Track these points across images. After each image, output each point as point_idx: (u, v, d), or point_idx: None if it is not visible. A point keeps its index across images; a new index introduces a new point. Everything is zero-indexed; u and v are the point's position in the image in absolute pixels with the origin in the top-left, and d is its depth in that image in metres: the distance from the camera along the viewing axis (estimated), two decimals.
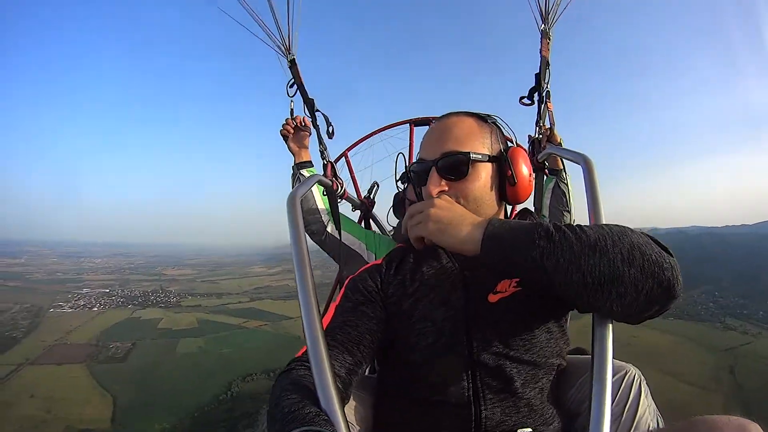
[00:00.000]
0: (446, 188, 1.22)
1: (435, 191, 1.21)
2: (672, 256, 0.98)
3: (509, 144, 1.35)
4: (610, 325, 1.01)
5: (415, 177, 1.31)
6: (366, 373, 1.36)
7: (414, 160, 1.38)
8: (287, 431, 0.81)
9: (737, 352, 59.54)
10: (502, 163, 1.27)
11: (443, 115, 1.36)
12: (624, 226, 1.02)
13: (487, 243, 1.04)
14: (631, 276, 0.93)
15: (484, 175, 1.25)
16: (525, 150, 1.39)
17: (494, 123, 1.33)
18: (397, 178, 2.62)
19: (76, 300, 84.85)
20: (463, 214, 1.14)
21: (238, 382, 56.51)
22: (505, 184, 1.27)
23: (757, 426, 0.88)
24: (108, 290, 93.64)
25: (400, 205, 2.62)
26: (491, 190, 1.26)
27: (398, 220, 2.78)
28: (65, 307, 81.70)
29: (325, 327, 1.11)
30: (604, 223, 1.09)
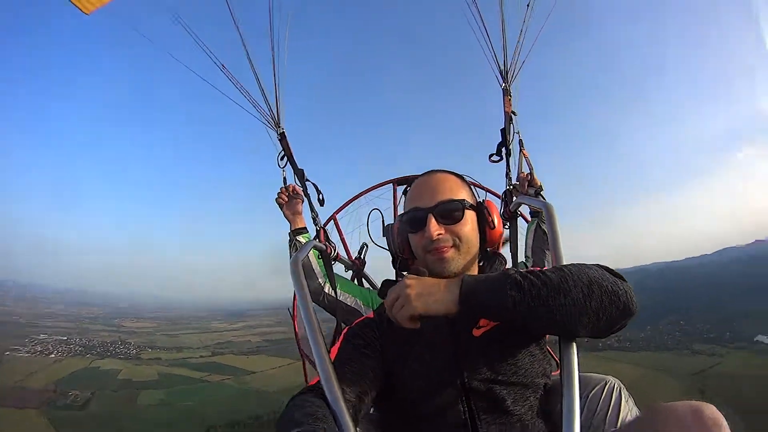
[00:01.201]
0: (443, 231, 1.42)
1: (435, 233, 1.40)
2: (625, 281, 1.21)
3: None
4: (574, 345, 1.18)
5: (410, 223, 1.49)
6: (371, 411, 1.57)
7: (398, 216, 1.71)
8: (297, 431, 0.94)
9: (706, 374, 62.46)
10: (482, 211, 1.50)
11: (428, 172, 1.60)
12: (580, 264, 1.23)
13: (464, 300, 1.19)
14: (593, 307, 1.13)
15: (470, 220, 1.47)
16: (494, 193, 2.09)
17: (467, 181, 1.61)
18: (383, 232, 2.44)
19: (33, 345, 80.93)
20: (435, 282, 1.27)
21: None
22: (485, 229, 1.50)
23: (712, 407, 1.02)
24: (66, 338, 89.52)
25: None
26: (477, 233, 1.49)
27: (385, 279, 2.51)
28: (22, 352, 77.94)
29: None
30: (564, 263, 1.31)
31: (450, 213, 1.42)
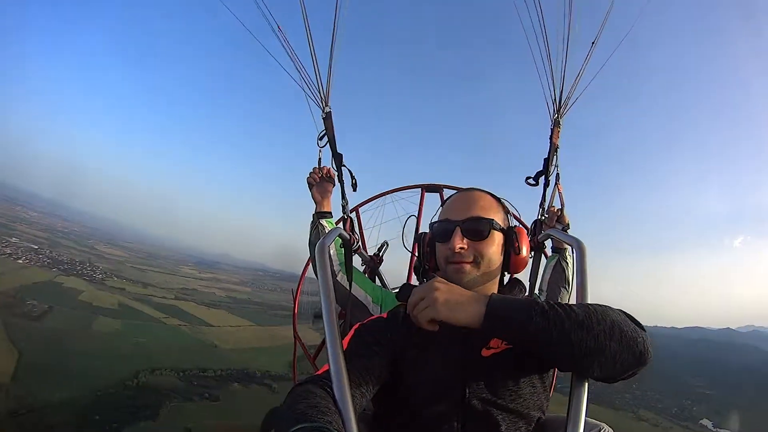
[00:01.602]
0: (466, 246, 1.47)
1: (457, 246, 1.45)
2: (644, 331, 1.22)
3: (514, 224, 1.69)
4: (587, 384, 1.18)
5: (438, 233, 1.56)
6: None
7: (422, 223, 1.81)
8: (299, 427, 0.92)
9: None
10: (511, 236, 1.55)
11: (468, 188, 1.66)
12: (605, 306, 1.24)
13: (489, 319, 1.21)
14: (612, 349, 1.14)
15: (497, 241, 1.52)
16: (523, 224, 2.11)
17: (503, 204, 1.66)
18: (414, 239, 2.50)
19: (2, 246, 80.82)
20: (463, 293, 1.30)
21: (146, 373, 55.66)
22: (509, 254, 1.54)
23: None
24: (37, 247, 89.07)
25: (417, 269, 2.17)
26: (500, 255, 1.54)
27: (405, 283, 2.93)
28: None
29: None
30: (589, 302, 1.30)
31: (477, 230, 1.49)
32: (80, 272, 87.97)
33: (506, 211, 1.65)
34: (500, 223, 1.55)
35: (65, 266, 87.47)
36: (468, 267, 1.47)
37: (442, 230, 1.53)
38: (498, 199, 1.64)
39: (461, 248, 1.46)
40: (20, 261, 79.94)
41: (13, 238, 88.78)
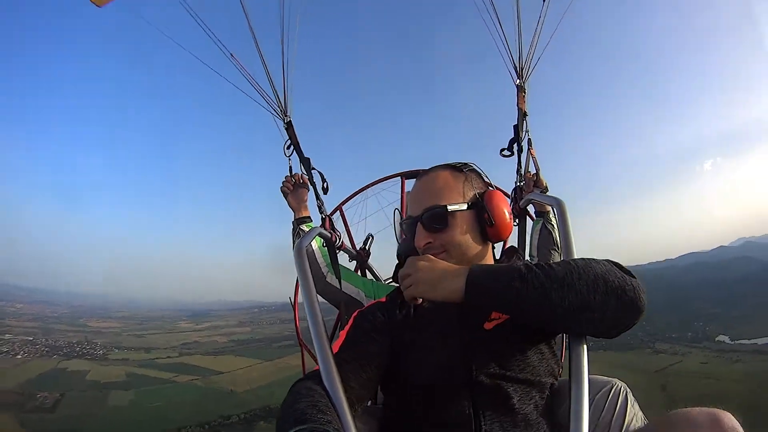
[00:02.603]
0: (431, 240, 1.39)
1: (422, 243, 1.39)
2: (634, 277, 1.15)
3: (489, 187, 1.53)
4: (585, 343, 1.15)
5: (406, 232, 1.50)
6: (369, 404, 1.53)
7: (404, 212, 1.80)
8: (298, 429, 0.90)
9: (668, 371, 65.12)
10: (479, 207, 1.42)
11: (425, 171, 1.55)
12: (589, 259, 1.19)
13: (469, 291, 1.17)
14: (597, 302, 1.09)
15: (462, 222, 1.40)
16: (502, 191, 1.82)
17: (470, 170, 1.51)
18: (395, 235, 2.65)
19: None
20: (445, 268, 1.25)
21: None
22: (485, 226, 1.42)
23: (729, 414, 0.97)
24: (31, 338, 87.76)
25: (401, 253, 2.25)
26: (473, 233, 1.42)
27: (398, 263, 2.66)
28: None
29: (336, 349, 1.28)
30: (574, 257, 1.26)
31: (435, 220, 1.40)
32: (81, 353, 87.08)
33: (471, 178, 1.51)
34: (461, 199, 1.43)
35: (65, 350, 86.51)
36: (441, 257, 1.38)
37: (407, 228, 1.50)
38: (459, 169, 1.51)
39: (427, 243, 1.41)
40: (19, 356, 78.91)
41: (6, 335, 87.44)
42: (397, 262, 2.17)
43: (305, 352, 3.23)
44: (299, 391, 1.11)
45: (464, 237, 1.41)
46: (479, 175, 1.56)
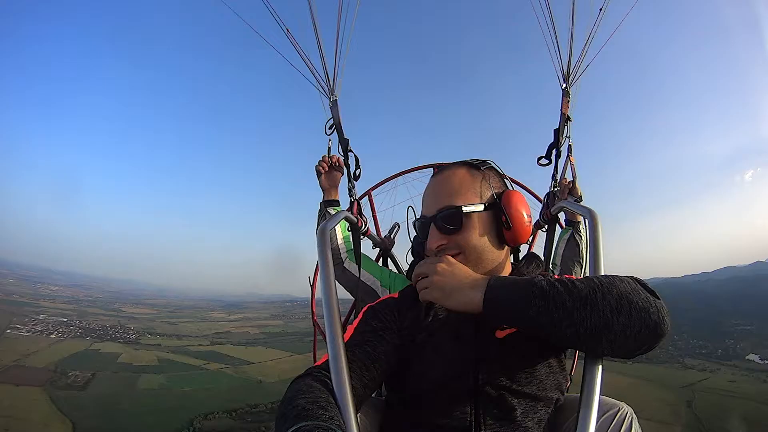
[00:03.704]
0: (445, 242, 1.35)
1: (435, 245, 1.35)
2: (659, 299, 1.12)
3: (507, 186, 1.49)
4: (601, 363, 1.12)
5: (420, 232, 1.47)
6: (373, 396, 1.49)
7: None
8: (300, 426, 0.88)
9: (695, 387, 62.77)
10: (497, 208, 1.37)
11: (441, 167, 1.60)
12: (613, 276, 1.16)
13: (487, 306, 1.15)
14: (620, 323, 1.06)
15: (478, 224, 1.35)
16: (533, 194, 2.01)
17: (488, 168, 1.47)
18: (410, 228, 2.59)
19: (33, 324, 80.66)
20: (463, 278, 1.23)
21: (200, 420, 55.87)
22: (502, 229, 1.37)
23: None
24: (66, 320, 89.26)
25: (416, 250, 2.41)
26: (489, 236, 1.37)
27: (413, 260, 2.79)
28: (22, 330, 77.56)
29: (346, 340, 1.24)
30: (602, 274, 1.23)
31: (449, 221, 1.34)
32: (114, 336, 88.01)
33: (489, 177, 1.43)
34: (477, 199, 1.37)
35: (98, 333, 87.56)
36: (459, 258, 1.33)
37: (420, 228, 1.43)
38: (477, 167, 1.43)
39: (440, 245, 1.35)
40: (53, 336, 79.97)
41: (41, 315, 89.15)
42: (412, 259, 2.19)
43: (317, 332, 3.26)
44: (299, 388, 1.08)
45: (481, 240, 1.36)
46: (498, 173, 1.51)
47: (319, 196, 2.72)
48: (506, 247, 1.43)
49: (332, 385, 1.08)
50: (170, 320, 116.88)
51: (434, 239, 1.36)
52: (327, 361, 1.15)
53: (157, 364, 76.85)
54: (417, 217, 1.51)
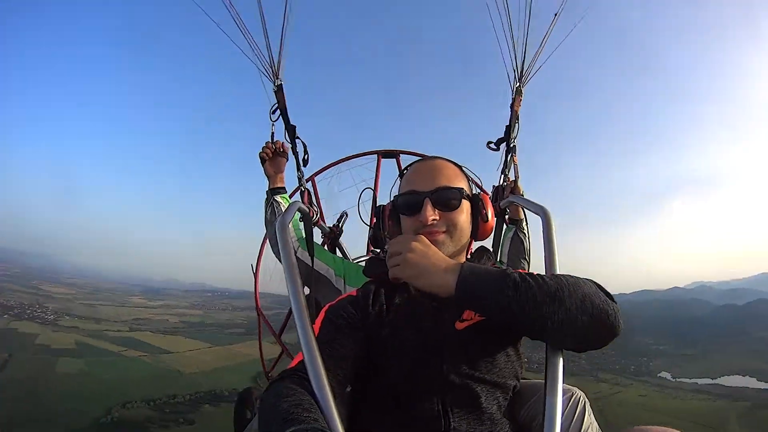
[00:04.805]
0: (438, 217, 1.37)
1: (430, 218, 1.35)
2: (614, 302, 1.19)
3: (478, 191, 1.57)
4: (562, 355, 1.17)
5: (404, 206, 1.44)
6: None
7: (379, 190, 1.72)
8: (292, 430, 0.87)
9: (606, 401, 66.43)
10: (477, 203, 1.47)
11: (430, 156, 1.58)
12: (576, 277, 1.20)
13: (460, 289, 1.16)
14: (583, 322, 1.12)
15: (466, 210, 1.43)
16: (482, 189, 1.93)
17: (465, 172, 1.55)
18: (372, 212, 2.68)
19: None
20: (437, 259, 1.25)
21: (118, 408, 56.41)
22: (477, 221, 1.46)
23: None
24: None
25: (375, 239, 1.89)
26: (469, 224, 1.46)
27: (368, 255, 2.83)
28: None
29: None
30: (558, 272, 1.27)
31: (447, 200, 1.41)
32: (32, 315, 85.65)
33: (469, 179, 1.56)
34: (467, 190, 1.47)
35: (16, 311, 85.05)
36: (442, 237, 1.39)
37: (410, 202, 1.43)
38: (460, 167, 1.55)
39: (434, 219, 1.37)
40: None
41: None
42: (372, 256, 2.07)
43: (261, 321, 3.38)
44: (279, 391, 1.07)
45: (465, 224, 1.45)
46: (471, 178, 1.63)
47: (261, 184, 2.64)
48: (472, 239, 1.55)
49: (311, 387, 1.07)
50: (89, 302, 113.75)
51: (429, 213, 1.37)
52: (302, 362, 1.14)
53: (75, 348, 75.98)
54: (402, 192, 1.49)
